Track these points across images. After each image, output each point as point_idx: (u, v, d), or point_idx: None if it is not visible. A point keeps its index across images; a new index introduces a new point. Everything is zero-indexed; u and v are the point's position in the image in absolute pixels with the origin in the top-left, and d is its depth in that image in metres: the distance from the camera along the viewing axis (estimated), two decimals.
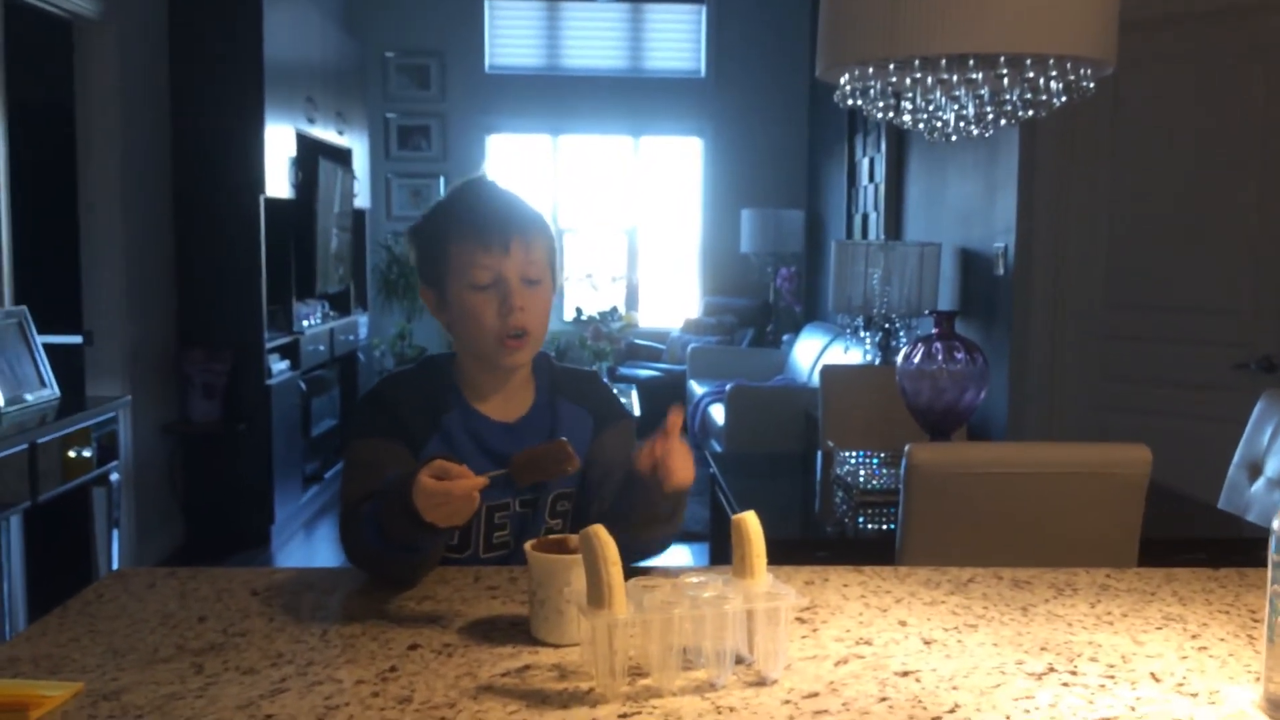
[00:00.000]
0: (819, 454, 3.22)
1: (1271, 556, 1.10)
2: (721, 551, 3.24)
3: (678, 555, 4.99)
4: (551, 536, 1.32)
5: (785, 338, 7.43)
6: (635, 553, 1.49)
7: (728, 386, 5.71)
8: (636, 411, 5.66)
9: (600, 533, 1.13)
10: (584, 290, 8.12)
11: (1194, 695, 1.13)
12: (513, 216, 1.54)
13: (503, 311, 1.52)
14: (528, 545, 1.27)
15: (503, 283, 1.52)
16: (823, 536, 2.63)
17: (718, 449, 5.76)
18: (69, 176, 4.24)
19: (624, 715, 1.06)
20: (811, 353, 6.45)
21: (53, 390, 3.61)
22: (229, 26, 4.81)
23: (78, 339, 4.24)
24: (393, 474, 1.40)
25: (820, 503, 2.93)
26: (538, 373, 1.64)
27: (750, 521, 1.22)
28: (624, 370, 7.50)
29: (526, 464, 1.35)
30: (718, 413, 5.98)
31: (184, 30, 4.77)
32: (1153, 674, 1.19)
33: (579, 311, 7.89)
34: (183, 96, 4.79)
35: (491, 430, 1.57)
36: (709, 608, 1.13)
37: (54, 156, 4.28)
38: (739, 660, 1.17)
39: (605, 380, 1.74)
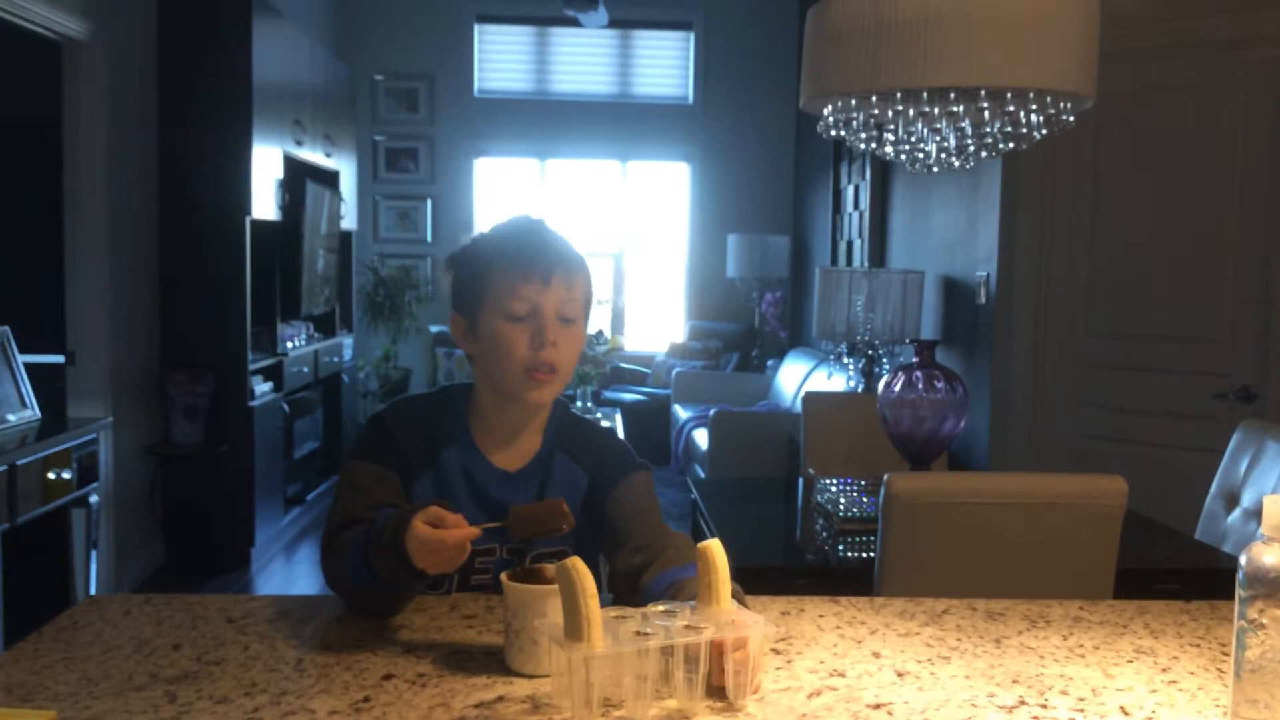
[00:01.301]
0: (800, 480, 3.23)
1: (1239, 591, 1.11)
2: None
3: None
4: (528, 566, 1.33)
5: (770, 363, 7.46)
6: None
7: (712, 411, 5.72)
8: (621, 434, 5.66)
9: (578, 565, 1.13)
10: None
11: None
12: (558, 252, 1.54)
13: (535, 344, 1.49)
14: (504, 575, 1.27)
15: (539, 315, 1.50)
16: (803, 564, 2.63)
17: (701, 474, 5.76)
18: (54, 196, 4.24)
19: None
20: (796, 378, 6.47)
21: (33, 411, 3.60)
22: (217, 49, 4.82)
23: (59, 359, 4.23)
24: (386, 512, 1.39)
25: (801, 529, 2.94)
26: (550, 421, 1.60)
27: (715, 550, 1.23)
28: (608, 394, 7.50)
29: (523, 519, 1.35)
30: (701, 437, 5.99)
31: (172, 52, 4.78)
32: (1122, 708, 1.20)
33: None
34: (170, 118, 4.79)
35: (488, 475, 1.56)
36: (680, 637, 1.14)
37: (40, 176, 4.28)
38: (711, 688, 1.17)
39: (615, 436, 1.67)
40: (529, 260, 1.51)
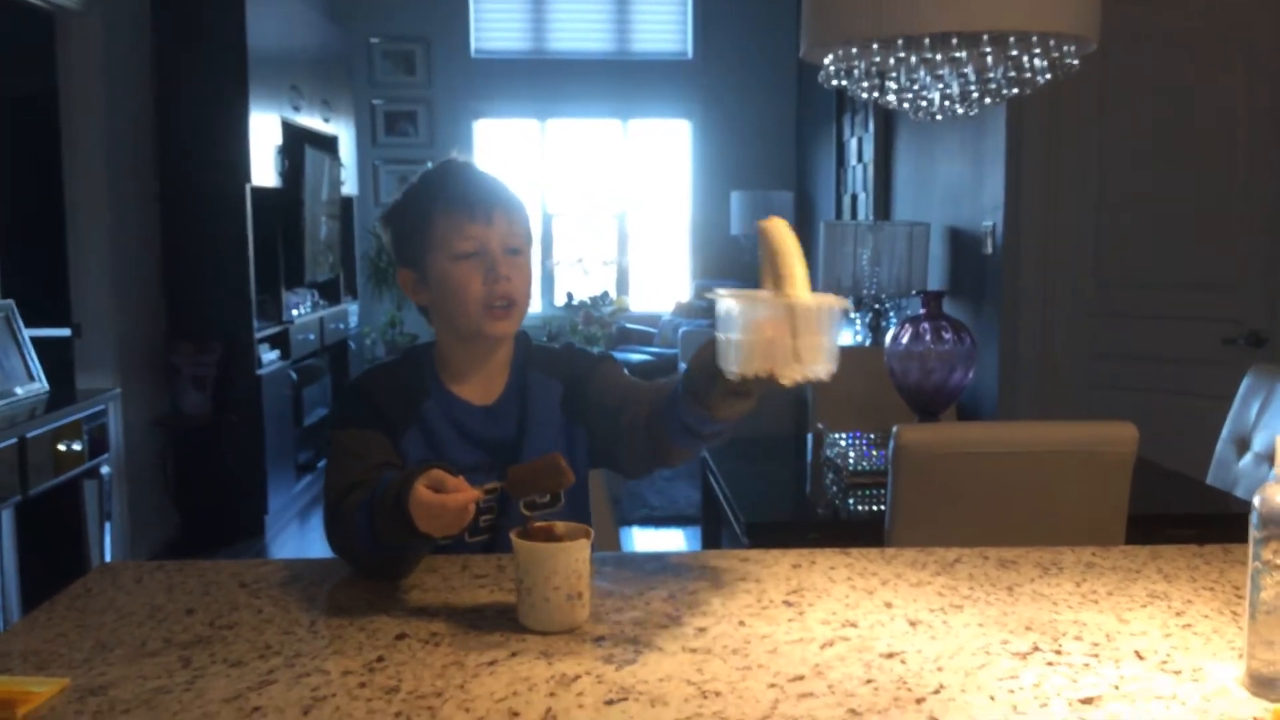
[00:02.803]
0: (809, 436, 3.23)
1: (1252, 533, 1.11)
2: (713, 534, 3.25)
3: (670, 539, 5.00)
4: (538, 524, 1.32)
5: None
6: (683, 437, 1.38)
7: None
8: None
9: (778, 223, 1.15)
10: (575, 275, 8.11)
11: (1178, 673, 1.14)
12: (494, 191, 1.56)
13: (489, 279, 1.52)
14: (514, 533, 1.27)
15: (487, 252, 1.53)
16: (813, 518, 2.63)
17: None
18: (54, 168, 4.22)
19: (610, 702, 1.06)
20: None
21: (42, 384, 3.60)
22: (212, 15, 4.77)
23: (66, 332, 4.23)
24: (387, 475, 1.39)
25: (811, 484, 2.94)
26: (515, 353, 1.63)
27: (776, 229, 1.18)
28: (616, 354, 7.50)
29: (522, 479, 1.35)
30: None
31: (167, 20, 4.73)
32: (1137, 652, 1.19)
33: (570, 296, 7.89)
34: (167, 87, 4.76)
35: (469, 414, 1.57)
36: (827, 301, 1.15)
37: (38, 149, 4.26)
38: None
39: (576, 346, 1.71)
40: (471, 200, 1.53)
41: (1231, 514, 2.38)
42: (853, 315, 4.86)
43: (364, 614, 1.31)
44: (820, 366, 1.15)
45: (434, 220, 1.54)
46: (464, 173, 1.59)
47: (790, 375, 1.13)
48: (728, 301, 1.17)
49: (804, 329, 1.13)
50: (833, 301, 1.15)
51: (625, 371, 1.63)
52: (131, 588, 1.42)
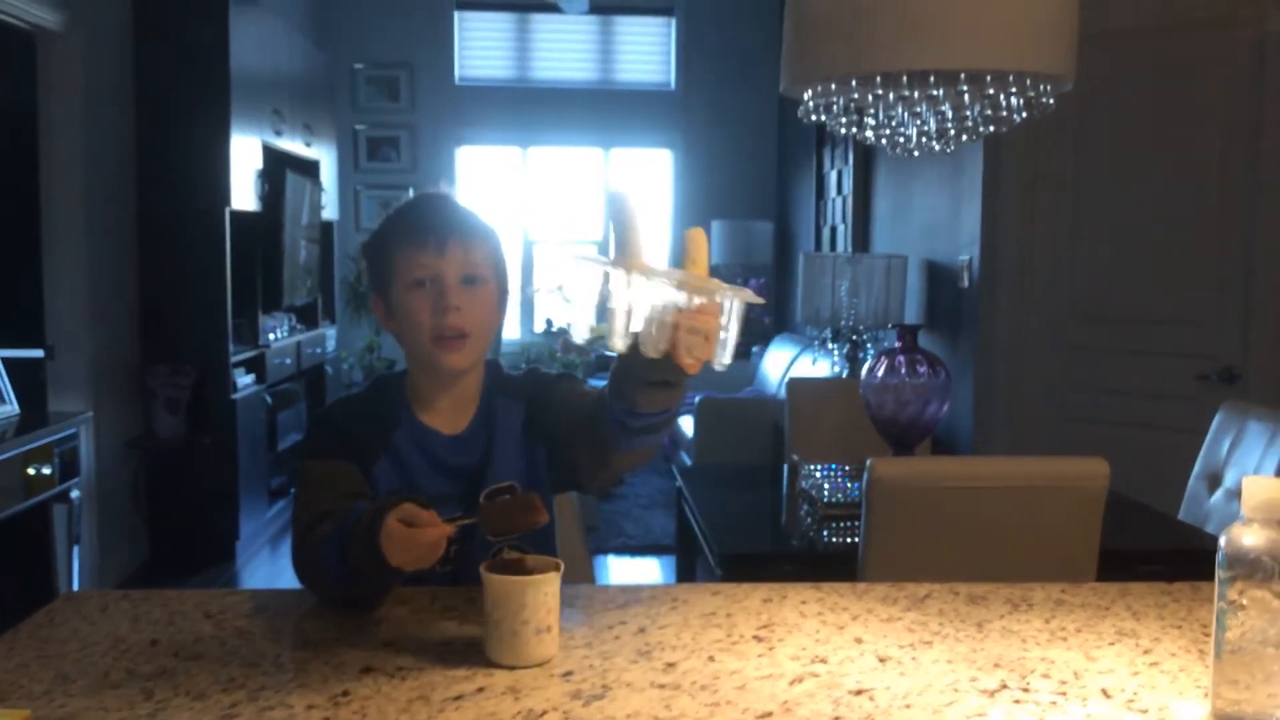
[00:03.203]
0: (785, 466, 3.23)
1: (1219, 573, 1.11)
2: (688, 564, 3.24)
3: (645, 569, 4.98)
4: (508, 557, 1.32)
5: (755, 349, 7.45)
6: (627, 440, 1.37)
7: (696, 398, 5.71)
8: None
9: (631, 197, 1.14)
10: (554, 302, 8.11)
11: (1144, 711, 1.14)
12: (452, 220, 1.55)
13: (437, 309, 1.51)
14: (483, 567, 1.27)
15: (438, 281, 1.52)
16: (788, 549, 2.63)
17: (687, 461, 5.76)
18: (31, 188, 4.20)
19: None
20: (781, 364, 6.47)
21: (12, 406, 3.57)
22: (195, 38, 4.77)
23: (39, 353, 4.19)
24: (359, 506, 1.39)
25: (786, 515, 2.94)
26: (485, 382, 1.63)
27: (693, 235, 1.19)
28: (594, 382, 7.47)
29: (496, 515, 1.34)
30: (687, 425, 5.98)
31: (149, 42, 4.73)
32: (1104, 690, 1.20)
33: (549, 323, 7.89)
34: (147, 109, 4.75)
35: (439, 443, 1.57)
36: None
37: (16, 168, 4.24)
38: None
39: (540, 370, 1.71)
40: (424, 229, 1.54)
41: (1203, 549, 2.39)
42: (830, 346, 4.88)
43: (330, 646, 1.30)
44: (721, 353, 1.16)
45: (392, 250, 1.55)
46: (429, 203, 1.59)
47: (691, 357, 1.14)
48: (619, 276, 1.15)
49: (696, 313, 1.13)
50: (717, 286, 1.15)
51: (587, 387, 1.62)
52: (95, 617, 1.40)
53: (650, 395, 1.29)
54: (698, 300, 1.13)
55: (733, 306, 1.15)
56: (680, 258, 1.17)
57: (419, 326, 1.52)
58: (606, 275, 1.15)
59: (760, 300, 1.21)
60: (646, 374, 1.25)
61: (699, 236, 1.19)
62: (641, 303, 1.14)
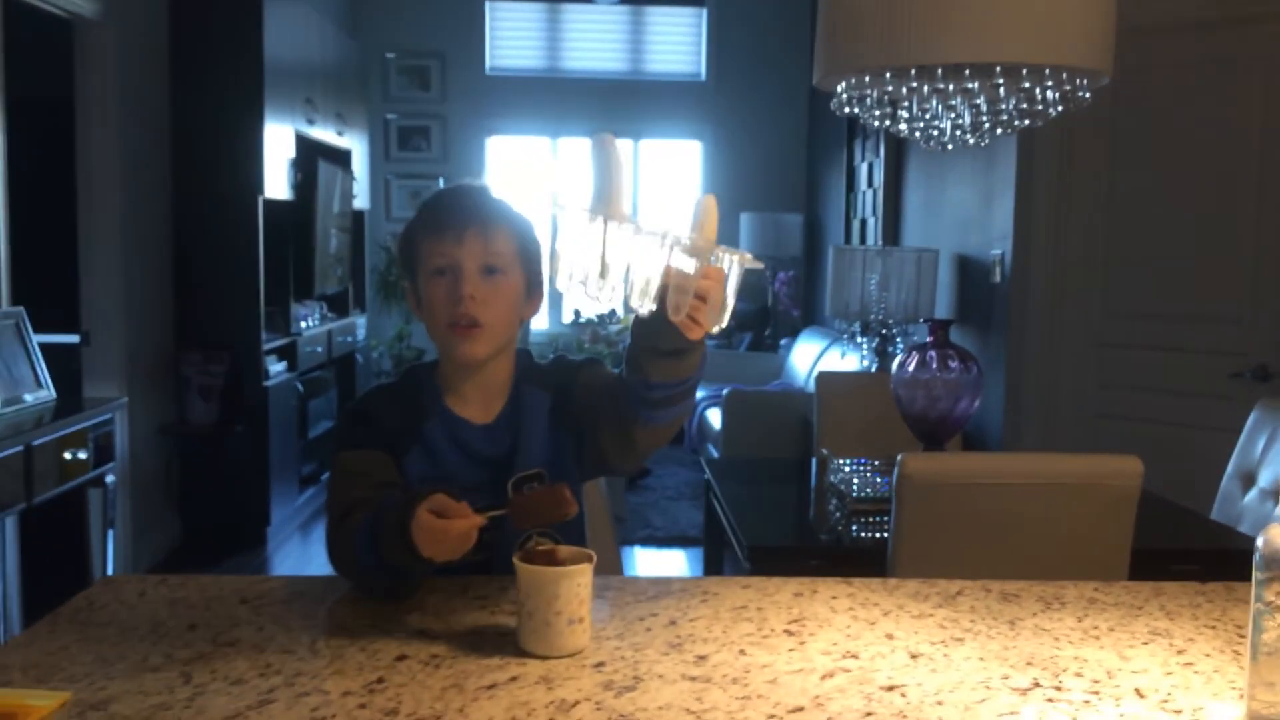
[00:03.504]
0: (813, 460, 3.22)
1: (1256, 574, 1.10)
2: (715, 556, 3.24)
3: (672, 560, 4.99)
4: (540, 547, 1.33)
5: (783, 342, 7.44)
6: (648, 417, 1.39)
7: (724, 391, 5.71)
8: None
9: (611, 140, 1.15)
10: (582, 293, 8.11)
11: (1178, 712, 1.14)
12: (475, 209, 1.56)
13: (452, 298, 1.52)
14: (516, 557, 1.27)
15: (455, 269, 1.52)
16: (816, 544, 2.63)
17: (714, 453, 5.76)
18: (68, 176, 4.25)
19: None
20: (809, 358, 6.45)
21: (49, 392, 3.62)
22: (229, 27, 4.81)
23: (74, 338, 4.24)
24: (391, 497, 1.40)
25: (814, 510, 2.94)
26: (515, 372, 1.63)
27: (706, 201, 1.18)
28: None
29: (525, 506, 1.35)
30: (714, 417, 5.98)
31: (184, 31, 4.77)
32: (1137, 690, 1.19)
33: (577, 314, 7.90)
34: (182, 97, 4.79)
35: (470, 433, 1.57)
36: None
37: (53, 156, 4.29)
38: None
39: (566, 357, 1.71)
40: (445, 218, 1.55)
41: (1236, 549, 2.37)
42: (859, 340, 4.86)
43: (365, 634, 1.31)
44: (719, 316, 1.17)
45: (417, 239, 1.57)
46: (457, 192, 1.60)
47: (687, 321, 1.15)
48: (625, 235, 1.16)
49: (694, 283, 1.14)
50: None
51: (610, 370, 1.62)
52: (134, 601, 1.42)
53: (661, 364, 1.31)
54: (692, 263, 1.13)
55: (731, 269, 1.14)
56: (692, 224, 1.17)
57: (435, 314, 1.54)
58: (599, 227, 1.14)
59: (760, 265, 1.21)
60: (654, 342, 1.28)
61: (710, 203, 1.18)
62: (628, 254, 1.13)
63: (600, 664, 1.23)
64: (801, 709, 1.12)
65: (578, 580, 1.25)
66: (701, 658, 1.25)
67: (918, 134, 2.68)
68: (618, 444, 1.49)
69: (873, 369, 4.74)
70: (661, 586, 1.52)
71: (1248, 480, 2.70)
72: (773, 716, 1.10)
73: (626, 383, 1.37)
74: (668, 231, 1.15)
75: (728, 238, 7.46)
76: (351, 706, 1.11)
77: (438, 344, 1.58)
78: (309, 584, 1.52)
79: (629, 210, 1.16)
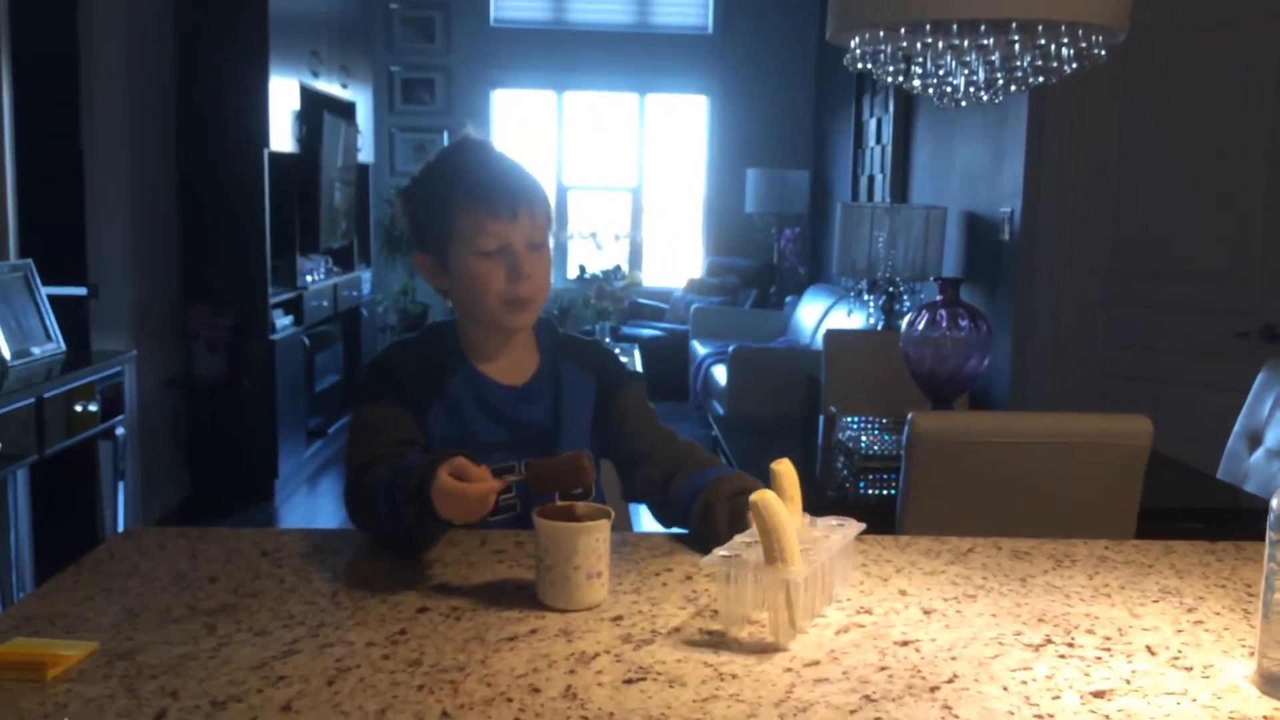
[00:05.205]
0: (821, 418, 3.23)
1: (1269, 534, 1.12)
2: None
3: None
4: (560, 503, 1.34)
5: (788, 299, 7.43)
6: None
7: (730, 348, 5.72)
8: (639, 368, 5.68)
9: (770, 499, 1.20)
10: (587, 249, 8.10)
11: (1188, 669, 1.15)
12: (520, 184, 1.54)
13: (511, 278, 1.52)
14: (536, 512, 1.29)
15: (510, 250, 1.52)
16: (823, 500, 2.64)
17: (719, 410, 5.78)
18: (73, 128, 4.22)
19: (629, 681, 1.08)
20: (815, 315, 6.45)
21: (58, 344, 3.62)
22: None
23: (82, 290, 4.24)
24: (412, 457, 1.41)
25: (821, 467, 2.95)
26: (540, 335, 1.64)
27: (770, 504, 1.21)
28: (627, 330, 7.51)
29: (544, 473, 1.37)
30: (720, 373, 6.00)
31: None
32: (1148, 647, 1.21)
33: (582, 270, 7.88)
34: (187, 50, 4.76)
35: (498, 393, 1.58)
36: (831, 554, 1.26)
37: (58, 109, 4.26)
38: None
39: (604, 345, 1.76)
40: (494, 196, 1.51)
41: (1242, 508, 2.39)
42: (866, 298, 4.85)
43: (385, 587, 1.33)
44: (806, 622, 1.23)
45: (456, 213, 1.52)
46: (486, 160, 1.56)
47: (785, 640, 1.19)
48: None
49: (797, 601, 1.19)
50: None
51: (646, 399, 1.68)
52: (155, 554, 1.44)
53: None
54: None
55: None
56: (763, 530, 1.21)
57: (489, 292, 1.52)
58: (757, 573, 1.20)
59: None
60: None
61: (775, 504, 1.21)
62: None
63: (618, 617, 1.24)
64: (817, 663, 1.14)
65: (596, 535, 1.26)
66: (717, 612, 1.27)
67: (931, 90, 2.66)
68: (641, 495, 1.65)
69: (879, 327, 4.74)
70: (676, 542, 1.54)
71: (1254, 440, 2.71)
72: (789, 670, 1.12)
73: (692, 514, 1.53)
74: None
75: (733, 193, 7.46)
76: (375, 657, 1.12)
77: (478, 316, 1.57)
78: (326, 537, 1.53)
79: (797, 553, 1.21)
